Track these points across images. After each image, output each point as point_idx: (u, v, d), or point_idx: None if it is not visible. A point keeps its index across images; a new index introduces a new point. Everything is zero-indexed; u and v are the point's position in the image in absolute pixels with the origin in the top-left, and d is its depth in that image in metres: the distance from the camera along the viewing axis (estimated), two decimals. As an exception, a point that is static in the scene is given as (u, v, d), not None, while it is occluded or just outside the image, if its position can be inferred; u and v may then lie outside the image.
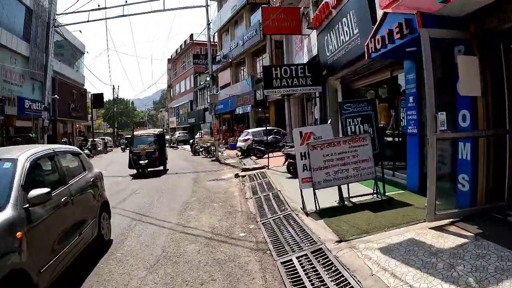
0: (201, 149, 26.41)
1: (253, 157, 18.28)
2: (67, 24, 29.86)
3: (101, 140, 49.84)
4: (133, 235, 6.61)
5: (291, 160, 10.69)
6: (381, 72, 9.60)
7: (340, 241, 4.98)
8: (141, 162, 15.39)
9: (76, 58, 39.95)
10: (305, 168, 6.47)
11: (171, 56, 60.92)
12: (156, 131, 18.60)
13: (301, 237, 5.40)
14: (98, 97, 39.73)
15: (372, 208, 6.29)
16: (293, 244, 5.23)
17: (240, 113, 26.07)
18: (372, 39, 6.92)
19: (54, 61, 32.46)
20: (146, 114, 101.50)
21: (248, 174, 12.64)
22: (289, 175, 10.82)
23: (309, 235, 5.41)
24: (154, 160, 15.74)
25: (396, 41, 6.21)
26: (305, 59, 13.95)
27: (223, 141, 31.21)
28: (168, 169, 17.01)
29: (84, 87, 41.03)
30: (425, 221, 5.47)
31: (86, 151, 30.60)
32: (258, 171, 13.09)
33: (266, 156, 17.37)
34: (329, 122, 11.61)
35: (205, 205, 8.83)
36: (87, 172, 5.78)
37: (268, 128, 20.23)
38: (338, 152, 6.53)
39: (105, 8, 22.55)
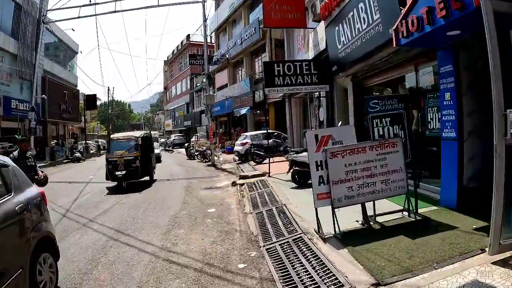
0: (196, 153, 25.07)
1: (252, 163, 16.93)
2: (57, 21, 28.54)
3: (94, 143, 48.50)
4: (105, 262, 5.25)
5: (297, 168, 9.36)
6: (402, 67, 8.32)
7: (377, 285, 3.64)
8: (117, 173, 12.18)
9: (69, 58, 38.53)
10: (321, 181, 5.13)
11: (168, 58, 59.62)
12: (138, 133, 14.53)
13: (321, 275, 4.04)
14: (91, 98, 38.17)
15: (407, 232, 4.95)
16: (311, 286, 3.88)
17: (238, 115, 24.72)
18: (403, 22, 5.62)
19: (45, 60, 31.18)
20: (142, 117, 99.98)
21: (247, 182, 11.28)
22: (294, 185, 9.47)
23: (331, 272, 4.05)
24: (135, 170, 12.39)
25: (438, 21, 4.92)
26: (310, 56, 12.67)
27: (220, 144, 29.86)
28: (155, 180, 14.36)
29: (77, 88, 39.60)
30: (483, 252, 4.17)
31: (78, 154, 29.18)
32: (258, 178, 11.74)
33: (266, 161, 16.08)
34: (338, 125, 10.29)
35: (196, 221, 7.46)
36: (13, 195, 3.85)
37: (268, 131, 18.97)
38: (363, 160, 5.20)
39: (96, 4, 21.15)
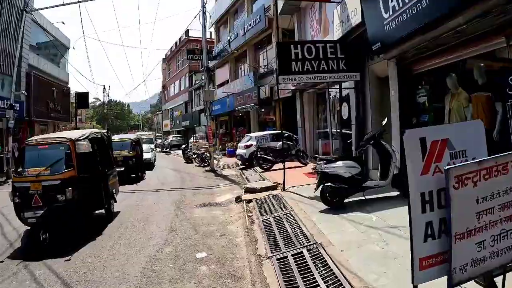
0: (194, 156, 22.50)
1: (258, 169, 14.31)
2: (41, 9, 25.90)
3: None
4: None
5: (329, 183, 6.71)
6: (485, 41, 5.74)
7: None
8: (27, 215, 6.23)
9: (59, 53, 35.95)
10: (430, 232, 2.51)
11: (166, 55, 57.04)
12: (76, 134, 7.50)
13: None
14: (83, 96, 35.53)
15: None
16: None
17: (240, 114, 22.10)
18: None
19: (31, 54, 28.53)
20: (140, 117, 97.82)
21: (256, 199, 8.67)
22: (324, 206, 6.82)
23: None
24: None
25: None
26: (335, 35, 10.04)
27: (220, 146, 27.24)
28: (117, 212, 11.55)
29: (68, 85, 36.94)
30: None
31: None
32: (269, 193, 9.12)
33: (275, 167, 13.52)
34: (383, 122, 7.68)
35: (184, 269, 4.84)
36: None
37: (277, 131, 16.43)
38: (504, 189, 2.59)
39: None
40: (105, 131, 10.85)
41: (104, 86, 54.59)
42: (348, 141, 11.82)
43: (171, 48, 52.78)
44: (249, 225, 6.72)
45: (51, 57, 33.81)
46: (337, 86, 11.46)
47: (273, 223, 6.42)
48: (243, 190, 10.16)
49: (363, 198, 6.92)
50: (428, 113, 7.74)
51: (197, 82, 38.43)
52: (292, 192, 8.76)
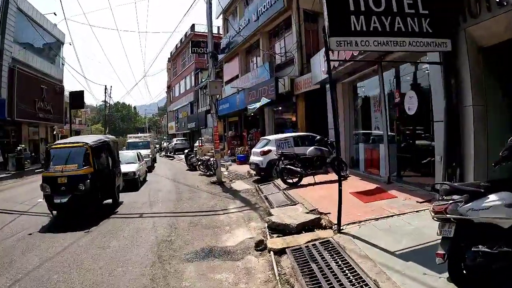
0: (198, 163, 18.95)
1: (279, 182, 10.66)
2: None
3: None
4: None
5: (484, 249, 2.99)
6: None
7: None
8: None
9: (53, 48, 32.83)
10: None
11: (171, 54, 53.72)
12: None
13: None
14: (78, 96, 32.15)
15: None
16: None
17: (253, 112, 18.46)
18: None
19: (16, 47, 25.24)
20: (146, 120, 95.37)
21: (291, 248, 5.01)
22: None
23: None
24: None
25: None
26: None
27: (229, 151, 23.63)
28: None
29: (62, 83, 33.61)
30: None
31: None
32: (313, 236, 5.41)
33: (305, 181, 9.97)
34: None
35: None
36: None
37: (302, 133, 12.98)
38: None
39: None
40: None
41: (105, 86, 51.66)
42: (418, 146, 8.17)
43: (176, 45, 49.54)
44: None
45: (43, 52, 30.51)
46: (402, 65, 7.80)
47: None
48: (266, 223, 6.49)
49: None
50: None
51: (203, 80, 34.95)
52: (358, 237, 5.02)
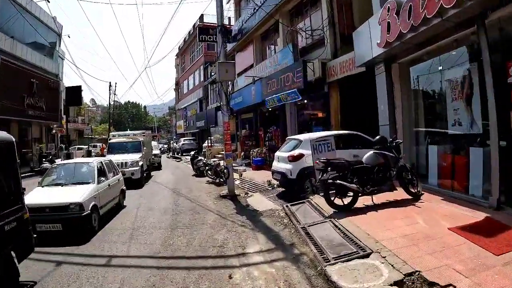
0: (206, 168, 15.64)
1: (319, 202, 7.26)
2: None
3: (92, 147, 39.75)
4: None
5: None
6: None
7: None
8: None
9: (39, 34, 29.56)
10: None
11: (179, 48, 50.59)
12: None
13: None
14: (74, 91, 29.07)
15: None
16: None
17: (271, 108, 14.95)
18: None
19: (3, 37, 22.41)
20: (155, 119, 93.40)
21: None
22: None
23: None
24: None
25: None
26: None
27: (243, 154, 20.25)
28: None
29: (57, 78, 30.58)
30: None
31: (46, 164, 20.33)
32: None
33: (360, 203, 6.56)
34: None
35: None
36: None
37: (345, 132, 9.75)
38: None
39: None
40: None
41: (110, 82, 48.78)
42: None
43: (184, 38, 46.46)
44: None
45: (36, 44, 27.47)
46: None
47: None
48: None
49: None
50: None
51: (213, 74, 31.60)
52: None
